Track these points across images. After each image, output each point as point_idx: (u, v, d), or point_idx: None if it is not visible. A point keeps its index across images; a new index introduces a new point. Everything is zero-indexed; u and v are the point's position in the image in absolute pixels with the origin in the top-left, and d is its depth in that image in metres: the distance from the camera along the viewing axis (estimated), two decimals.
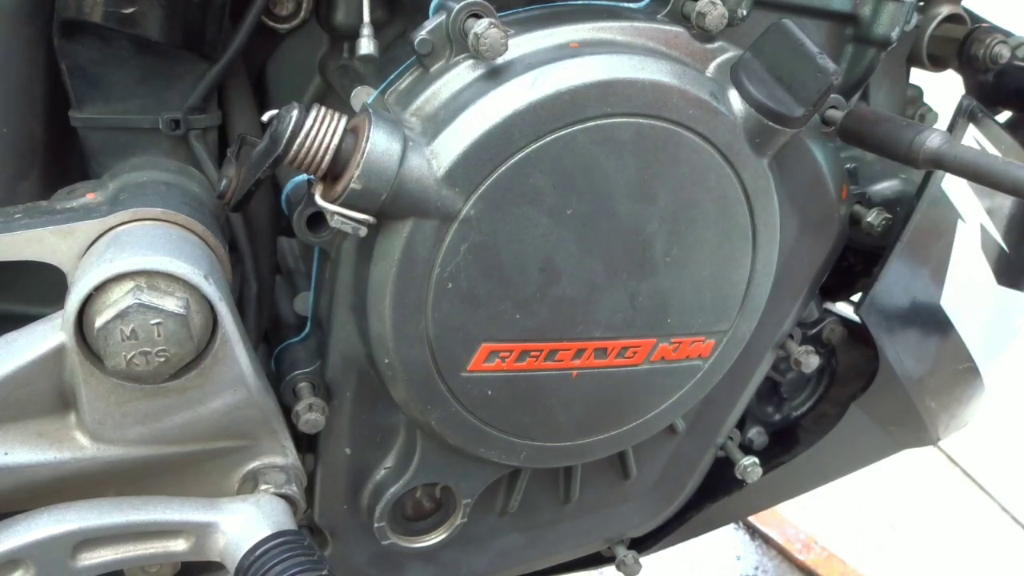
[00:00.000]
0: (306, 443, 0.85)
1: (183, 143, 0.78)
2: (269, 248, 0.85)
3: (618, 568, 1.08)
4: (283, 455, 0.77)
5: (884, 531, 2.13)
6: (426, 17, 0.72)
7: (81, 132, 0.76)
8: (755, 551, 2.01)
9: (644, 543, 1.11)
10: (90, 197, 0.71)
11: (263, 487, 0.75)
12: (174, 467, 0.71)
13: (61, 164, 0.78)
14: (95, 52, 0.73)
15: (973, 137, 0.92)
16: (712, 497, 1.10)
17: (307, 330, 0.83)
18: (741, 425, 1.09)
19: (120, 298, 0.60)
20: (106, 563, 0.66)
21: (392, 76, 0.75)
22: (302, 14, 0.81)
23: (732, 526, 2.03)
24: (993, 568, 2.05)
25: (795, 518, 2.04)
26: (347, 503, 0.88)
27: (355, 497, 0.88)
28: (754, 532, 2.02)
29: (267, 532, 0.67)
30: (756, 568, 1.97)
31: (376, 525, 0.87)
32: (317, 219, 0.72)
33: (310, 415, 0.78)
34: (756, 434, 1.11)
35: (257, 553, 0.65)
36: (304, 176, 0.76)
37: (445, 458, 0.85)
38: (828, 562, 1.95)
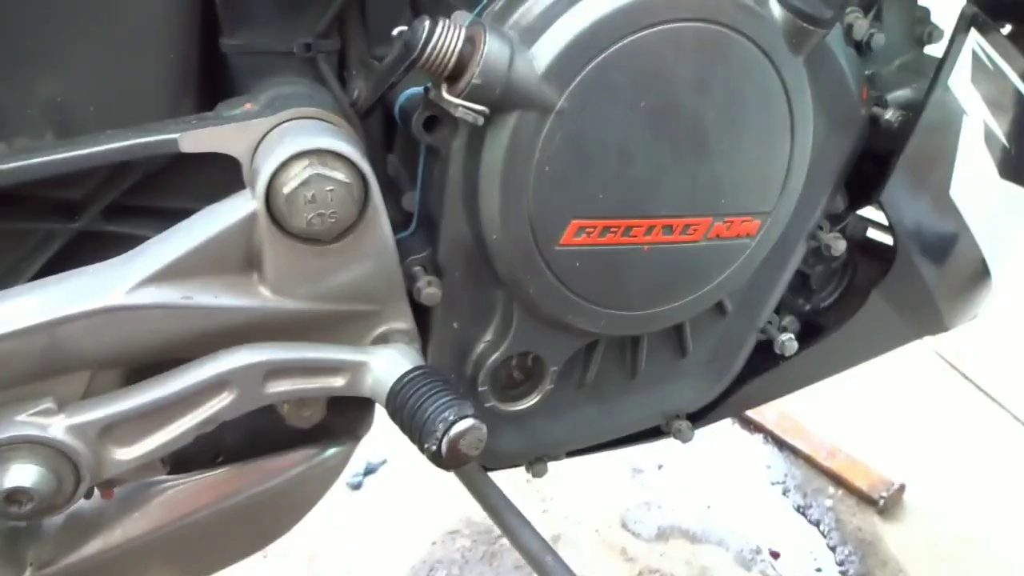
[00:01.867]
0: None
1: (311, 65, 0.92)
2: (381, 164, 1.00)
3: (674, 436, 1.23)
4: (406, 321, 0.93)
5: (907, 440, 2.25)
6: None
7: (230, 57, 0.91)
8: (783, 460, 2.16)
9: (694, 419, 1.27)
10: (248, 107, 0.86)
11: None
12: (325, 325, 0.87)
13: (210, 86, 0.93)
14: None
15: (977, 42, 1.06)
16: (752, 376, 1.25)
17: (413, 226, 0.99)
18: (776, 313, 1.24)
19: (301, 171, 0.75)
20: (286, 392, 0.81)
21: (485, 2, 0.90)
22: None
23: (760, 439, 2.18)
24: (1015, 473, 2.20)
25: (820, 432, 2.19)
26: (453, 372, 1.03)
27: (460, 367, 1.02)
28: (782, 444, 2.17)
29: (410, 366, 0.83)
30: (785, 475, 2.12)
31: (479, 389, 1.02)
32: (431, 122, 0.88)
33: (430, 289, 0.93)
34: (789, 322, 1.26)
35: (405, 380, 0.81)
36: (415, 89, 0.91)
37: (537, 329, 1.00)
38: (852, 467, 2.09)
